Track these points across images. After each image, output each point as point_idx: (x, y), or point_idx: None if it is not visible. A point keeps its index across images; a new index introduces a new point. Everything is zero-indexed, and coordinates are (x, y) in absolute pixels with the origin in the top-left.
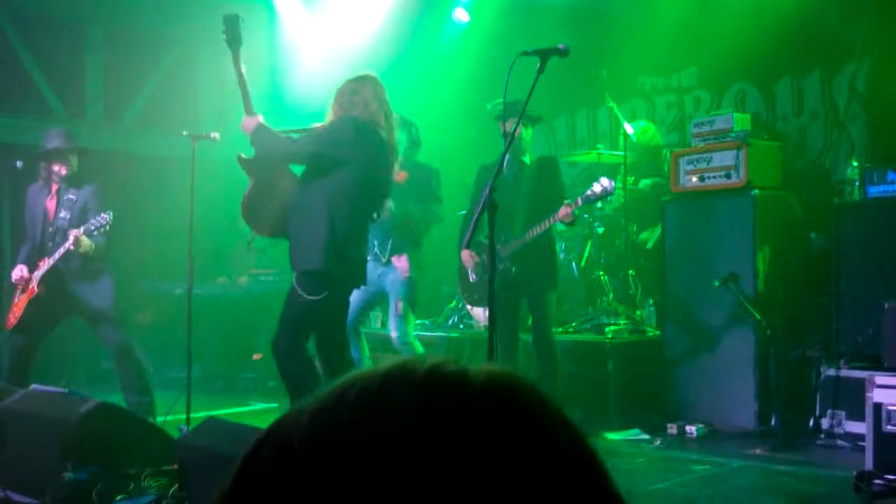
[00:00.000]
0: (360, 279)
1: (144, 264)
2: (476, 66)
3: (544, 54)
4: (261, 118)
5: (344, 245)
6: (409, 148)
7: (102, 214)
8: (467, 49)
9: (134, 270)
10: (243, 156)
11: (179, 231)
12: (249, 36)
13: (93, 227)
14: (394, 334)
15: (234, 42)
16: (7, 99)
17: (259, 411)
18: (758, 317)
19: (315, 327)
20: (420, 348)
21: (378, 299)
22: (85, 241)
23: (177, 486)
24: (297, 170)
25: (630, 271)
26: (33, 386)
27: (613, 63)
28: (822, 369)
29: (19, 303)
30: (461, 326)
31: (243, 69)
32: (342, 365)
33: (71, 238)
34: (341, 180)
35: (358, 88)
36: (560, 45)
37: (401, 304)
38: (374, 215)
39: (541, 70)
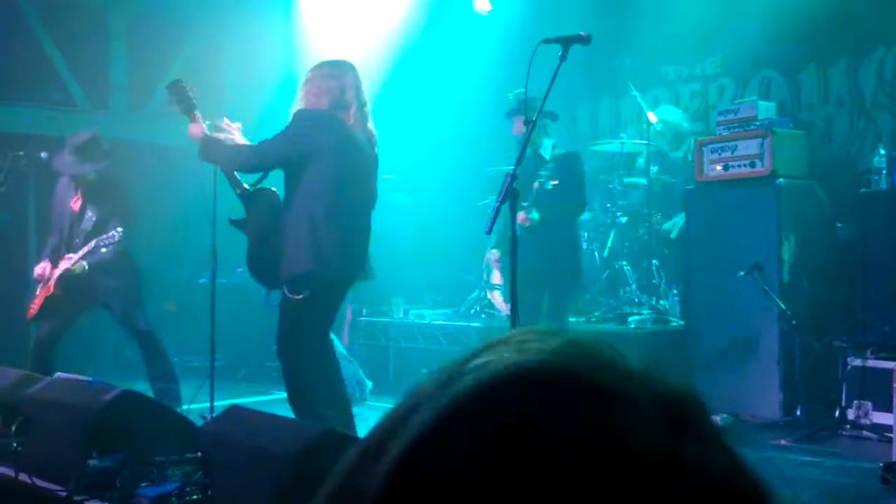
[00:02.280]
0: (353, 273)
1: (168, 254)
2: (497, 55)
3: (566, 42)
4: (204, 128)
5: (328, 243)
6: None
7: (113, 232)
8: (489, 37)
9: (158, 260)
10: (232, 218)
11: (203, 221)
12: (267, 27)
13: (101, 245)
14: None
15: (188, 108)
16: (32, 90)
17: (281, 400)
18: (783, 307)
19: (310, 326)
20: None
21: None
22: (80, 266)
23: (200, 473)
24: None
25: (654, 261)
26: (58, 374)
27: (637, 51)
28: (848, 360)
29: (39, 295)
30: (483, 316)
31: (205, 128)
32: (332, 363)
33: (81, 253)
34: (314, 176)
35: (336, 74)
36: (582, 33)
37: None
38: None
39: (563, 58)
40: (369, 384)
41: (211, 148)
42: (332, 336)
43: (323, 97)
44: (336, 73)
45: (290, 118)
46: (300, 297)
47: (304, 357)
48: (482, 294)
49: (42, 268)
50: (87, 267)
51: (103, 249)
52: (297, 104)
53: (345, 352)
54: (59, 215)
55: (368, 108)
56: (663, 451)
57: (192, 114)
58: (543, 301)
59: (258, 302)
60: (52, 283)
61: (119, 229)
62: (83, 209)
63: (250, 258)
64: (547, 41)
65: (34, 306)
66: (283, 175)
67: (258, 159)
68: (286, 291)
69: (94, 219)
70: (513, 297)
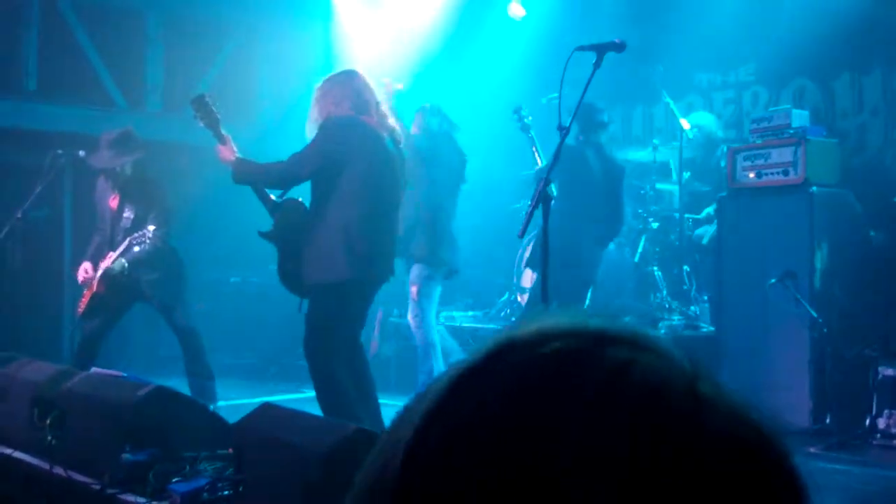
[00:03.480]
0: (383, 275)
1: (199, 253)
2: (531, 59)
3: (601, 49)
4: (234, 149)
5: (360, 248)
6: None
7: (144, 230)
8: (523, 42)
9: (189, 259)
10: (261, 230)
11: (237, 220)
12: (303, 31)
13: (134, 243)
14: (410, 320)
15: (212, 123)
16: (70, 89)
17: (312, 398)
18: (814, 315)
19: (340, 327)
20: (436, 336)
21: None
22: (119, 264)
23: (232, 469)
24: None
25: (685, 266)
26: (94, 369)
27: (670, 59)
28: (879, 369)
29: (86, 294)
30: (513, 318)
31: (235, 150)
32: (361, 363)
33: (117, 251)
34: (345, 182)
35: (346, 80)
36: (617, 40)
37: (414, 289)
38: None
39: (597, 65)
40: None
41: (244, 169)
42: None
43: (344, 103)
44: (346, 79)
45: (316, 129)
46: (328, 301)
47: (332, 357)
48: (512, 297)
49: (84, 269)
50: (126, 265)
51: (136, 248)
52: (315, 118)
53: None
54: (100, 215)
55: (384, 106)
56: (684, 382)
57: (222, 136)
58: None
59: (288, 300)
60: (95, 282)
61: (151, 227)
62: (121, 207)
63: (281, 268)
64: (582, 48)
65: (82, 304)
66: (308, 184)
67: (291, 174)
68: (320, 297)
69: (131, 217)
70: (544, 295)
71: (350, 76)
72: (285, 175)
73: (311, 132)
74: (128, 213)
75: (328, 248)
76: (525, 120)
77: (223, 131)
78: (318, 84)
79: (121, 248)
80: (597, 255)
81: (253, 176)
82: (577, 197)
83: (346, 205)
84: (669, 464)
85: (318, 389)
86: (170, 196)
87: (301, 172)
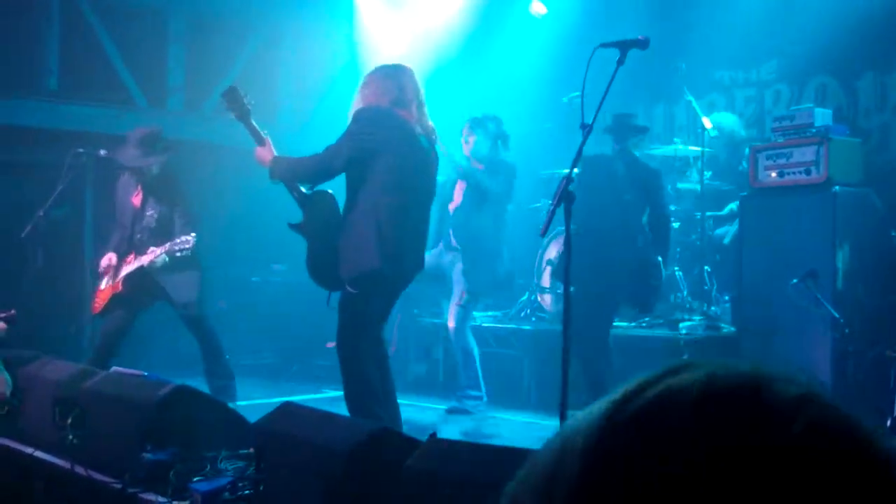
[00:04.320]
0: (412, 271)
1: (220, 251)
2: (552, 57)
3: (624, 46)
4: (272, 149)
5: (392, 240)
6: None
7: (186, 237)
8: (544, 40)
9: (210, 257)
10: (291, 222)
11: (259, 219)
12: (325, 30)
13: (176, 249)
14: (451, 324)
15: (243, 115)
16: (91, 88)
17: (333, 398)
18: (836, 315)
19: (370, 322)
20: (473, 341)
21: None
22: (161, 259)
23: (252, 468)
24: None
25: (706, 267)
26: (114, 368)
27: (691, 56)
28: None
29: (105, 291)
30: (533, 319)
31: (273, 149)
32: (382, 358)
33: (150, 255)
34: (377, 173)
35: (393, 74)
36: (640, 36)
37: (465, 295)
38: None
39: (620, 62)
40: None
41: (281, 167)
42: None
43: (385, 96)
44: (393, 73)
45: (349, 119)
46: (361, 293)
47: (362, 354)
48: (533, 297)
49: (108, 259)
50: (167, 259)
51: (178, 254)
52: (356, 107)
53: None
54: (120, 211)
55: (426, 108)
56: (793, 397)
57: (261, 137)
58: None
59: (309, 300)
60: (118, 280)
61: (193, 234)
62: (144, 205)
63: (310, 261)
64: (605, 45)
65: (99, 302)
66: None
67: (326, 166)
68: (348, 288)
69: (155, 215)
70: (566, 298)
71: (399, 70)
72: (320, 167)
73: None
74: (151, 212)
75: (360, 240)
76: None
77: (262, 132)
78: (369, 72)
79: (163, 248)
80: (626, 267)
81: (290, 172)
82: (598, 208)
83: (377, 196)
84: None
85: (347, 387)
86: (191, 195)
87: (335, 164)
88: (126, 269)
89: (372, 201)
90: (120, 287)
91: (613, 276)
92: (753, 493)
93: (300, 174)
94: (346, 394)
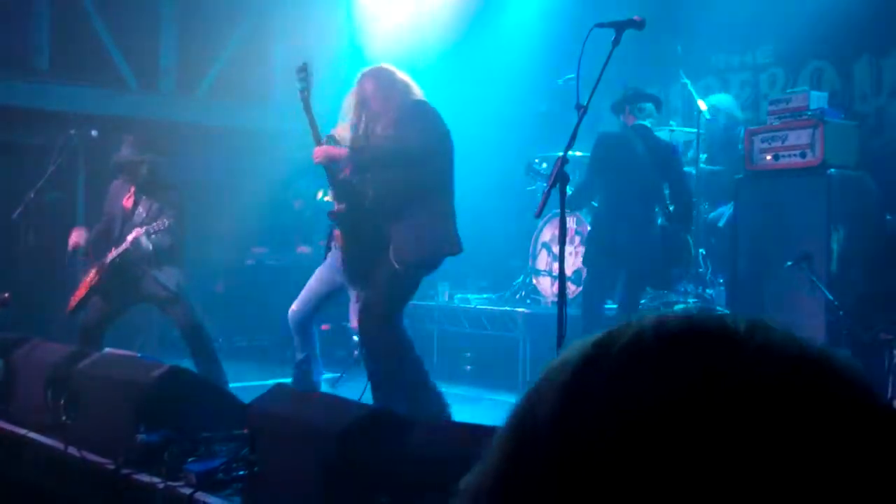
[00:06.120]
0: (445, 256)
1: (215, 235)
2: (547, 39)
3: (620, 27)
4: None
5: (440, 228)
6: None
7: (163, 219)
8: (539, 21)
9: (205, 241)
10: (334, 210)
11: (254, 201)
12: (317, 11)
13: (152, 230)
14: (354, 324)
15: (306, 95)
16: (83, 69)
17: (326, 380)
18: (830, 297)
19: (403, 304)
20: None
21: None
22: (143, 241)
23: (247, 449)
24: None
25: (700, 250)
26: (107, 349)
27: (687, 39)
28: (894, 352)
29: (82, 285)
30: (528, 301)
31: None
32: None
33: (130, 237)
34: (431, 166)
35: (396, 73)
36: (636, 17)
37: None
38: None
39: (616, 42)
40: None
41: (363, 158)
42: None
43: (411, 89)
44: (395, 72)
45: (400, 113)
46: (414, 278)
47: (399, 333)
48: (528, 279)
49: (78, 235)
50: (150, 247)
51: (153, 235)
52: (388, 108)
53: None
54: (109, 212)
55: None
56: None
57: (307, 96)
58: (620, 276)
59: (304, 282)
60: (100, 273)
61: (168, 219)
62: (135, 206)
63: (346, 253)
64: (601, 25)
65: (76, 297)
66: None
67: (406, 151)
68: (398, 269)
69: (144, 214)
70: (561, 278)
71: (396, 71)
72: (398, 154)
73: (371, 122)
74: (141, 210)
75: (423, 230)
76: (540, 171)
77: (325, 132)
78: (366, 79)
79: (143, 229)
80: (648, 240)
81: (372, 160)
82: (625, 184)
83: (429, 188)
84: None
85: (383, 369)
86: (184, 202)
87: (409, 153)
88: (109, 257)
89: (421, 194)
90: (96, 277)
91: (635, 257)
92: (712, 412)
93: (387, 162)
94: (385, 387)
